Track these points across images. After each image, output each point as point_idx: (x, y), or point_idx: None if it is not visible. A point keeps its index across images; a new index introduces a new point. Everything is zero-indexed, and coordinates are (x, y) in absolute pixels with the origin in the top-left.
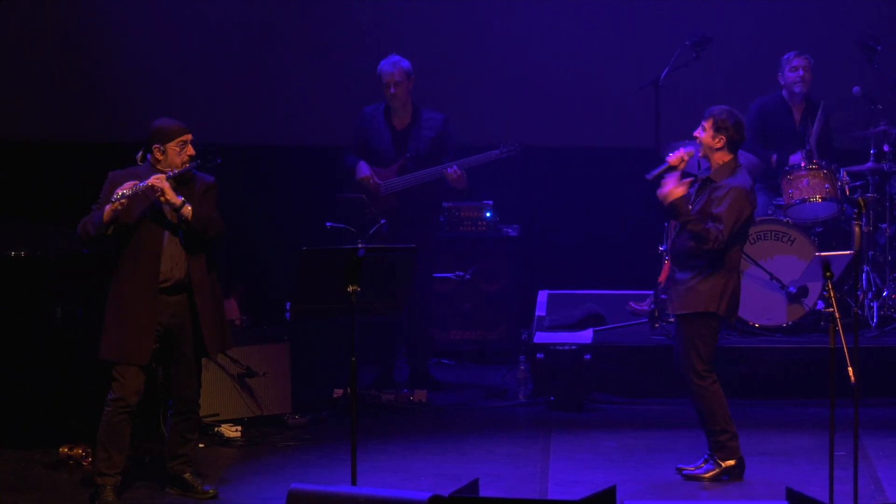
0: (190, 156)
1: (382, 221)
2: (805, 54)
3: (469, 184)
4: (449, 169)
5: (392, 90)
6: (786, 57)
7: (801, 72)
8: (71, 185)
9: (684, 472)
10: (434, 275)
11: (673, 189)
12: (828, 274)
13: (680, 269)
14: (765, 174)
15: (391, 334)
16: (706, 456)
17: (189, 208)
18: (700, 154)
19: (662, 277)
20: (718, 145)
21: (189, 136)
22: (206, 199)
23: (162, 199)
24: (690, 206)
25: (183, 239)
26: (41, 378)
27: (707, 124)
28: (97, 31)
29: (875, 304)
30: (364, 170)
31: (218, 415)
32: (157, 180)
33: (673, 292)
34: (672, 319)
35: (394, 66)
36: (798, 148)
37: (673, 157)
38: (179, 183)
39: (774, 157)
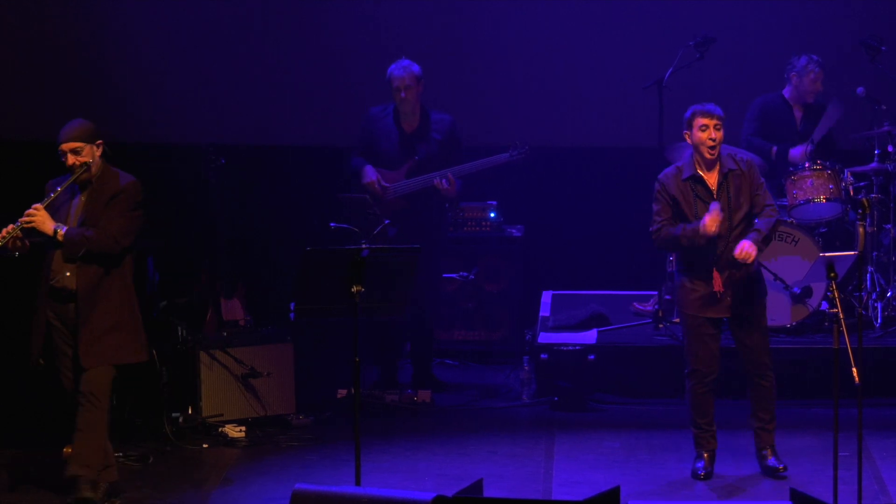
0: (70, 166)
1: (387, 222)
2: (819, 60)
3: (466, 189)
4: (437, 180)
5: (403, 94)
6: (802, 62)
7: (819, 85)
8: None
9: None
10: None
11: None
12: (832, 274)
13: (740, 267)
14: (768, 174)
15: (395, 335)
16: (765, 452)
17: (62, 233)
18: (714, 155)
19: (720, 286)
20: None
21: (62, 147)
22: (110, 208)
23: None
24: (730, 195)
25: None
26: (42, 378)
27: (722, 122)
28: (97, 30)
29: (879, 305)
30: (370, 174)
31: (222, 415)
32: (33, 209)
33: (742, 292)
34: (676, 320)
35: (404, 70)
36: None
37: (716, 226)
38: (82, 189)
39: (774, 148)
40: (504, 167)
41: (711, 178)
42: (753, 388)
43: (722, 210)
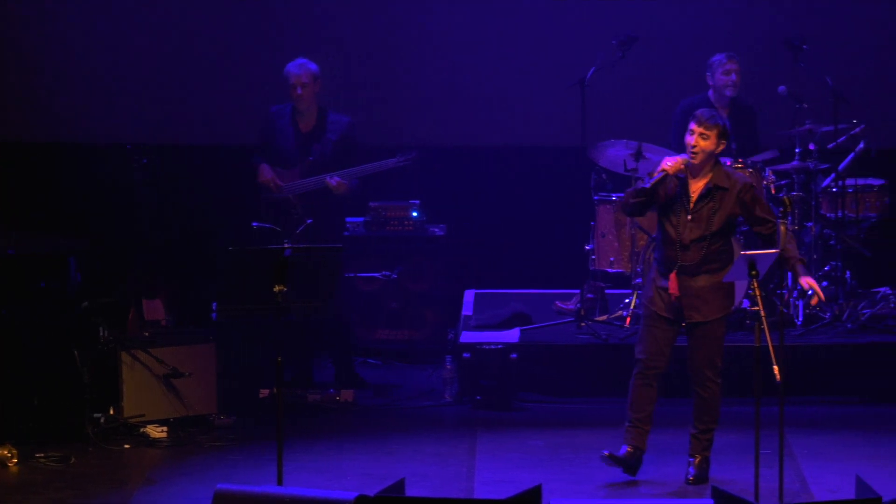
0: None
1: (309, 221)
2: (735, 56)
3: (362, 191)
4: (329, 179)
5: (298, 91)
6: (717, 59)
7: (733, 76)
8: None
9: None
10: (359, 274)
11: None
12: (753, 272)
13: (695, 275)
14: None
15: (316, 333)
16: (692, 459)
17: None
18: (695, 161)
19: (674, 289)
20: (719, 150)
21: None
22: None
23: None
24: (693, 207)
25: None
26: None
27: (712, 133)
28: (16, 30)
29: (800, 303)
30: (266, 173)
31: (143, 415)
32: None
33: (695, 301)
34: (601, 319)
35: (300, 67)
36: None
37: (671, 165)
38: None
39: None
40: (424, 165)
41: (695, 186)
42: (694, 395)
43: (693, 220)
